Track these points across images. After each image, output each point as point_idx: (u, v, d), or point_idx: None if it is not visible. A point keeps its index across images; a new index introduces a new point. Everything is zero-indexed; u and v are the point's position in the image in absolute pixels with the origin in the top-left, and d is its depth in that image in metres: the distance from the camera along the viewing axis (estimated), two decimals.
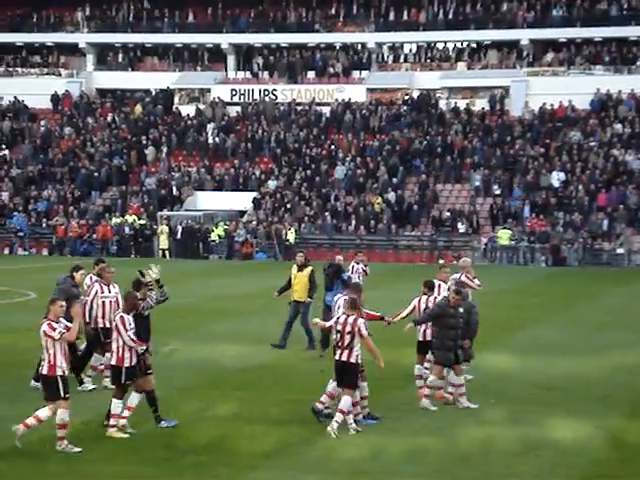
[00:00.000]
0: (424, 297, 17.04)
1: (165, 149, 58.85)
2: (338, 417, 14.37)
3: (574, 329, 25.62)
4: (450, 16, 62.15)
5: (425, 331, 16.82)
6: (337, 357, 14.67)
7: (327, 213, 52.28)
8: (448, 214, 51.39)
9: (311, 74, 62.71)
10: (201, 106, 61.77)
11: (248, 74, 63.71)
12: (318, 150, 57.02)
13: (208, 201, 55.27)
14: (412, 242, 50.66)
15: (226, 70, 64.26)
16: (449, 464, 12.96)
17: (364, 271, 23.66)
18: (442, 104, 59.51)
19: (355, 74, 62.35)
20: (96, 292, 17.68)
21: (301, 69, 62.73)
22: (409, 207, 52.31)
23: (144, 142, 59.30)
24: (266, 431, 14.37)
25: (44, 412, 13.54)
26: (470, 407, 16.09)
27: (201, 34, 64.46)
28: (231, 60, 64.19)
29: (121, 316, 14.56)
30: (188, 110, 61.74)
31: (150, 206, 54.50)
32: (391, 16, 63.12)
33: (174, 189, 55.85)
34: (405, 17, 62.88)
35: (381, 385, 16.77)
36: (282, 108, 60.79)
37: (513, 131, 56.29)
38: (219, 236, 51.22)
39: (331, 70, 62.46)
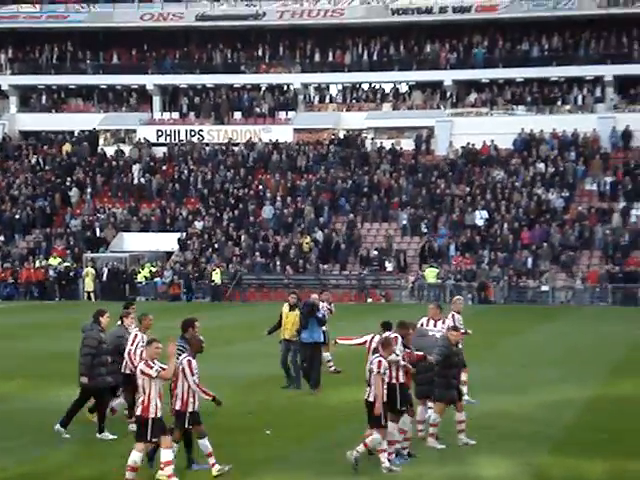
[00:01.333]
0: (377, 337, 16.55)
1: (90, 190, 58.36)
2: (359, 448, 14.41)
3: (501, 366, 25.78)
4: (374, 57, 62.87)
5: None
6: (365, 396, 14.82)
7: (256, 253, 52.20)
8: (375, 253, 51.66)
9: (238, 115, 62.82)
10: (126, 147, 61.46)
11: (175, 115, 63.60)
12: (245, 190, 57.03)
13: (134, 242, 54.84)
14: (340, 281, 50.79)
15: (152, 111, 64.06)
16: None
17: (329, 309, 23.99)
18: (368, 144, 60.02)
19: (282, 114, 62.62)
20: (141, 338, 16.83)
21: (227, 110, 62.82)
22: (337, 246, 52.49)
23: (68, 184, 58.76)
24: None
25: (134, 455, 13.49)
26: (469, 443, 16.18)
27: (126, 75, 64.26)
28: (157, 101, 64.02)
29: (188, 360, 14.24)
30: (113, 151, 61.41)
31: (75, 248, 53.91)
32: (316, 57, 63.62)
33: (98, 231, 55.37)
34: (330, 58, 63.43)
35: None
36: (208, 149, 60.78)
37: (439, 170, 56.93)
38: (145, 277, 50.81)
39: (257, 110, 62.67)
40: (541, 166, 56.23)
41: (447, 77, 61.28)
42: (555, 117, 59.13)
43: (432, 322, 18.54)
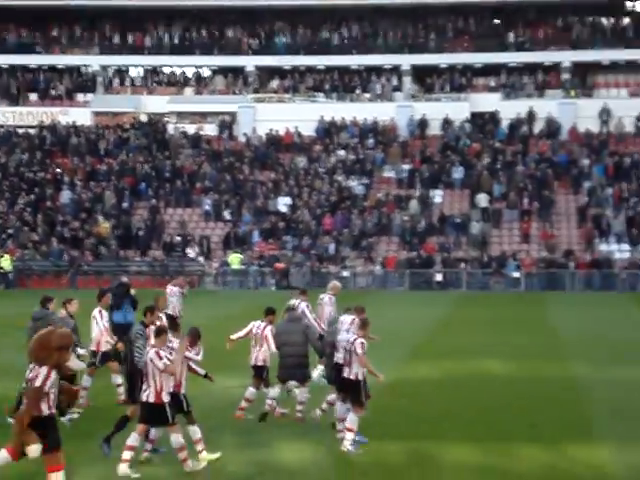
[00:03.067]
0: (258, 323, 17.20)
1: None
2: (348, 436, 14.69)
3: None
4: (176, 41, 62.15)
5: (257, 356, 17.11)
6: (344, 374, 15.22)
7: (53, 239, 50.70)
8: (179, 239, 51.11)
9: (33, 96, 60.80)
10: None
11: None
12: (42, 174, 55.29)
13: None
14: (142, 267, 49.97)
15: None
16: None
17: (182, 293, 23.69)
18: (170, 128, 59.29)
19: (80, 97, 61.02)
20: None
21: (22, 91, 60.71)
22: (137, 232, 51.63)
23: None
24: None
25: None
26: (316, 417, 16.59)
27: None
28: None
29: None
30: None
31: None
32: (116, 39, 62.32)
33: None
34: (130, 41, 62.25)
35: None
36: (2, 130, 58.61)
37: (242, 156, 56.84)
38: None
39: (54, 92, 60.84)
40: (342, 153, 57.01)
41: (249, 63, 61.26)
42: (355, 105, 60.05)
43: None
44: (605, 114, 57.58)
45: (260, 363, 17.22)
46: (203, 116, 60.41)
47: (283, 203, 53.47)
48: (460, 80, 60.75)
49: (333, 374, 16.30)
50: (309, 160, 56.58)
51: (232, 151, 57.45)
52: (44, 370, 11.57)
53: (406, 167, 55.85)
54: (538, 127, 57.93)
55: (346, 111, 59.09)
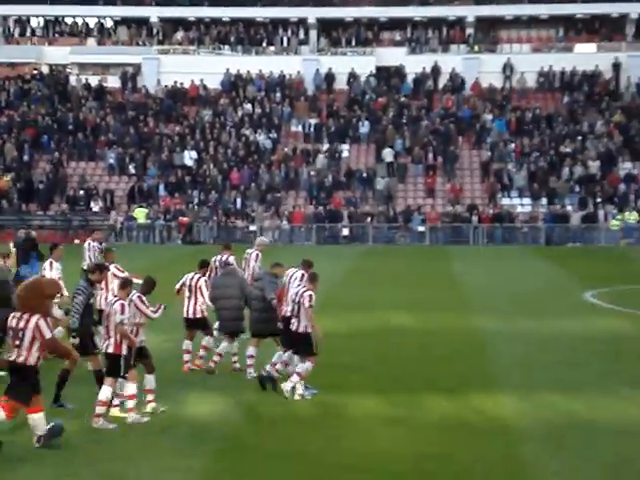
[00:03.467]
0: (191, 275, 17.56)
1: None
2: (294, 378, 15.15)
3: None
4: None
5: (190, 309, 17.39)
6: (292, 328, 15.47)
7: None
8: (82, 193, 50.41)
9: None
10: None
11: None
12: None
13: None
14: (45, 221, 49.15)
15: None
16: (84, 443, 12.66)
17: (99, 249, 23.34)
18: (73, 80, 58.20)
19: None
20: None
21: None
22: (39, 186, 50.76)
23: None
24: None
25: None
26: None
27: None
28: None
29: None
30: None
31: None
32: None
33: None
34: None
35: None
36: None
37: (146, 109, 56.13)
38: None
39: None
40: (249, 107, 56.70)
41: (153, 14, 60.37)
42: (261, 58, 59.72)
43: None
44: (508, 69, 58.31)
45: (198, 315, 17.43)
46: (106, 67, 59.46)
47: (189, 157, 53.06)
48: (366, 34, 60.82)
49: (258, 327, 16.85)
50: (215, 114, 56.16)
51: (136, 104, 56.69)
52: (39, 319, 12.10)
53: (313, 121, 55.85)
54: (442, 82, 58.40)
55: (252, 64, 58.73)
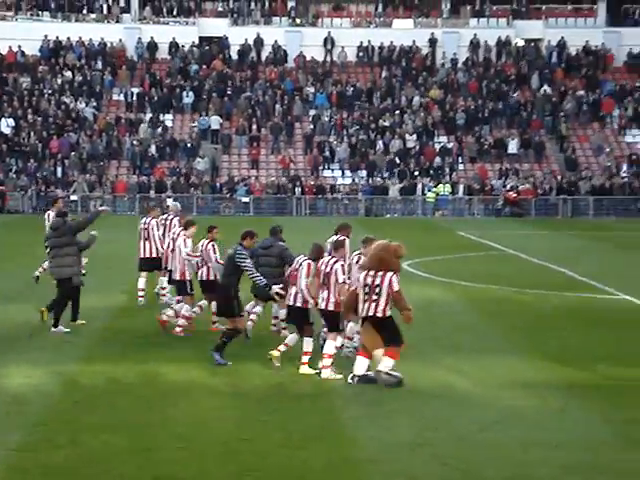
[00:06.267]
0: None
1: None
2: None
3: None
4: None
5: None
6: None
7: None
8: None
9: None
10: None
11: None
12: None
13: None
14: None
15: None
16: None
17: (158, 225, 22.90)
18: None
19: None
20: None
21: None
22: None
23: None
24: None
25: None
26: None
27: None
28: None
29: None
30: None
31: None
32: None
33: None
34: None
35: None
36: None
37: None
38: None
39: None
40: (68, 74, 55.52)
41: None
42: (82, 25, 58.49)
43: None
44: (329, 43, 59.07)
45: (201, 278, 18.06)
46: None
47: (6, 125, 51.60)
48: (189, 4, 60.40)
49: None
50: (33, 81, 54.73)
51: None
52: (392, 275, 13.97)
53: (135, 90, 55.20)
54: (266, 54, 58.67)
55: (72, 31, 57.49)
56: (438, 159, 52.29)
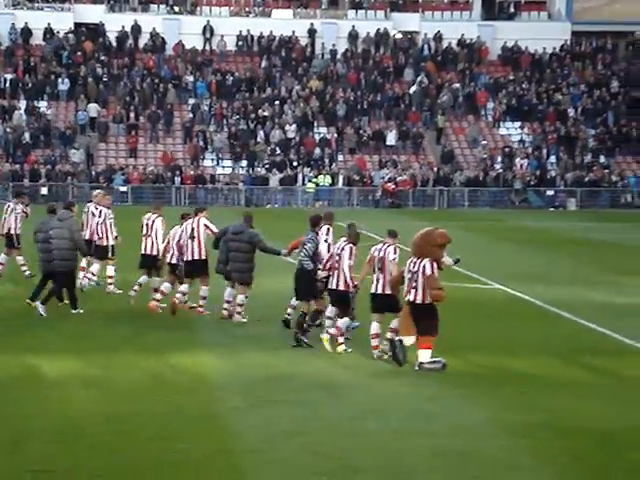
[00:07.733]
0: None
1: None
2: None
3: None
4: None
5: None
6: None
7: None
8: None
9: None
10: None
11: None
12: None
13: None
14: None
15: None
16: None
17: (24, 212, 22.89)
18: None
19: None
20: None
21: None
22: None
23: None
24: None
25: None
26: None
27: None
28: None
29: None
30: None
31: None
32: None
33: None
34: None
35: None
36: None
37: None
38: None
39: None
40: None
41: None
42: None
43: None
44: (208, 32, 58.75)
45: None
46: None
47: None
48: None
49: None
50: None
51: None
52: (427, 262, 14.27)
53: (9, 76, 53.96)
54: (144, 42, 58.01)
55: None
56: (318, 150, 52.56)
